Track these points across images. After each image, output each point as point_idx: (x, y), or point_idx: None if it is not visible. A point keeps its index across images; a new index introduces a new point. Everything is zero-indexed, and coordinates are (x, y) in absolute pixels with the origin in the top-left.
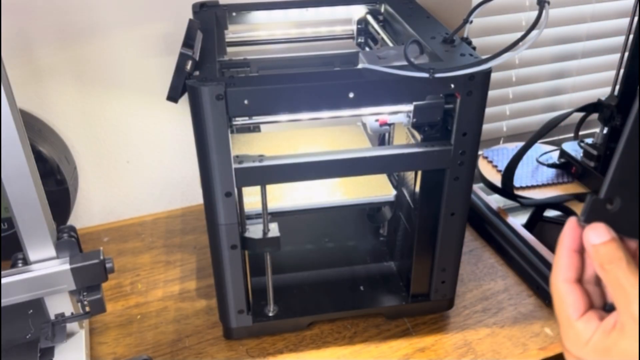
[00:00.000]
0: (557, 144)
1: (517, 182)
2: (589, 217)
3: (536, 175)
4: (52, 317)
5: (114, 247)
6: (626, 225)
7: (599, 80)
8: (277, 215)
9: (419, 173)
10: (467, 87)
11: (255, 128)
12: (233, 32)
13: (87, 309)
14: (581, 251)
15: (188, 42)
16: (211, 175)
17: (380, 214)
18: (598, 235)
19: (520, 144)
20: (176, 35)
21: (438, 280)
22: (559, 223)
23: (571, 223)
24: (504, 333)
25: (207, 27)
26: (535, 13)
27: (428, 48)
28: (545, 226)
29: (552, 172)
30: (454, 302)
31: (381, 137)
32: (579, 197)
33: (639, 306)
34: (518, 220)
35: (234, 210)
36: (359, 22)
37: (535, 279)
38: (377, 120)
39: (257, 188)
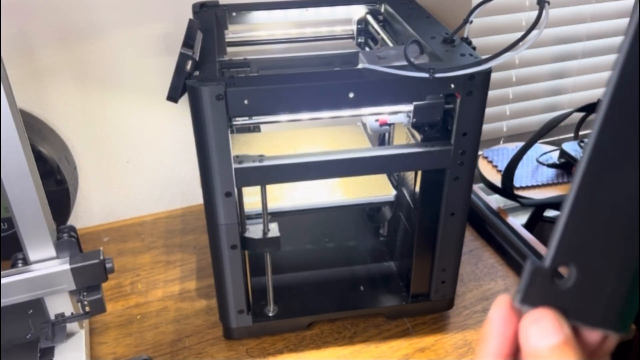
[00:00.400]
0: (557, 144)
1: (517, 182)
2: (528, 297)
3: (536, 175)
4: (52, 317)
5: (114, 247)
6: (587, 309)
7: (599, 80)
8: (277, 215)
9: (419, 173)
10: (467, 87)
11: (255, 128)
12: (233, 32)
13: (87, 309)
14: (514, 354)
15: (188, 42)
16: (211, 175)
17: (380, 214)
18: (543, 332)
19: (520, 144)
20: (176, 35)
21: (438, 280)
22: None
23: (502, 306)
24: None
25: (207, 27)
26: (535, 13)
27: (428, 48)
28: (545, 226)
29: (552, 172)
30: (454, 302)
31: (381, 137)
32: None
33: None
34: (518, 220)
35: (234, 210)
36: (359, 22)
37: None
38: (377, 120)
39: (257, 188)
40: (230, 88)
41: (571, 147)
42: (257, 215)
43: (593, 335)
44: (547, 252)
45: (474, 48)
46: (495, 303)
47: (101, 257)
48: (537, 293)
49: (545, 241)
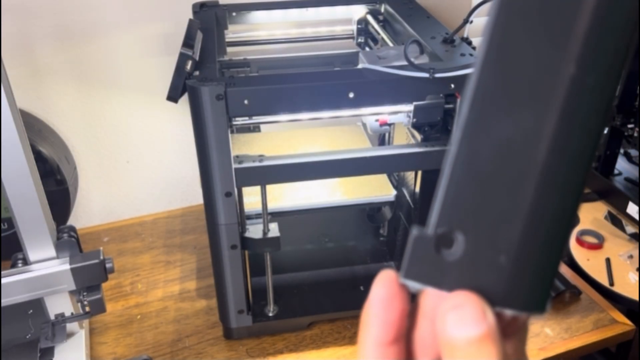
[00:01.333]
0: None
1: None
2: (412, 271)
3: None
4: (52, 317)
5: (114, 247)
6: (481, 284)
7: None
8: (277, 215)
9: (419, 173)
10: None
11: (255, 128)
12: (233, 32)
13: (87, 309)
14: (403, 335)
15: (188, 42)
16: (211, 175)
17: (380, 214)
18: (462, 321)
19: None
20: (176, 35)
21: None
22: None
23: (384, 286)
24: None
25: (207, 27)
26: None
27: (428, 48)
28: None
29: None
30: None
31: (381, 137)
32: None
33: None
34: None
35: (234, 210)
36: (359, 22)
37: None
38: (377, 120)
39: (257, 188)
40: (230, 88)
41: None
42: (257, 215)
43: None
44: (429, 217)
45: (474, 48)
46: (376, 281)
47: (101, 257)
48: (422, 266)
49: None
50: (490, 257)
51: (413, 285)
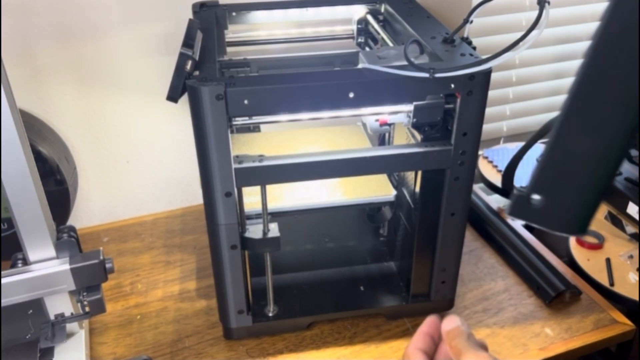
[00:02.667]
0: None
1: (517, 182)
2: (513, 212)
3: None
4: (52, 317)
5: (113, 247)
6: (551, 221)
7: None
8: (277, 215)
9: (419, 173)
10: (467, 87)
11: (255, 128)
12: (233, 32)
13: (87, 309)
14: (432, 352)
15: (188, 42)
16: (211, 175)
17: (380, 214)
18: (449, 323)
19: (520, 144)
20: (176, 35)
21: (438, 280)
22: None
23: (429, 324)
24: (504, 333)
25: (207, 27)
26: (535, 13)
27: (428, 48)
28: None
29: None
30: (454, 303)
31: (381, 137)
32: None
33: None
34: (518, 220)
35: (234, 210)
36: (359, 22)
37: (536, 279)
38: (377, 120)
39: (257, 188)
40: (230, 88)
41: None
42: (257, 215)
43: None
44: (528, 182)
45: (474, 48)
46: (424, 322)
47: (101, 257)
48: (519, 210)
49: (545, 241)
50: (558, 210)
51: (514, 218)
